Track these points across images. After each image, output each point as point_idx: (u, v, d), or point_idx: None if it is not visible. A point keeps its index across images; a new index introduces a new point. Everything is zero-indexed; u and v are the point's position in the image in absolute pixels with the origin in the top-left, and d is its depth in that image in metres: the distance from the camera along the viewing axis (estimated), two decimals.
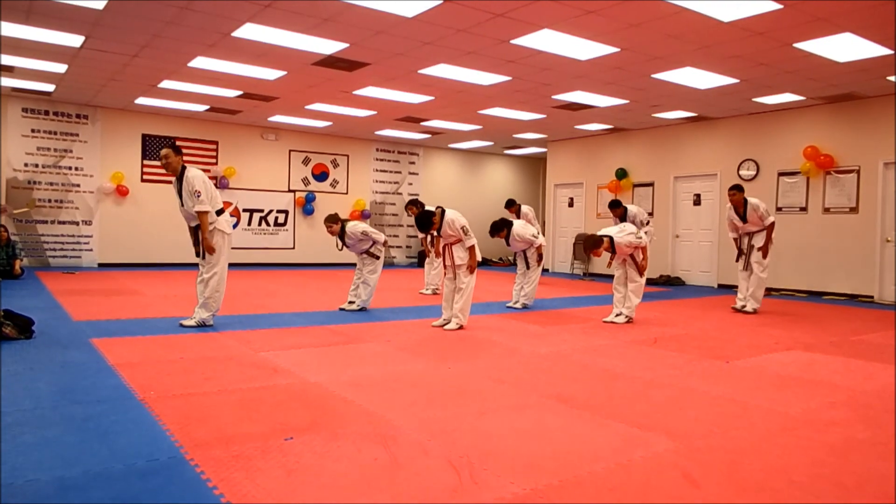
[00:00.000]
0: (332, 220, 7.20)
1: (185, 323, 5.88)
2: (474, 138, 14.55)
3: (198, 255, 5.89)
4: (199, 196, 5.59)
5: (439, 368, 4.49)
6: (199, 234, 5.72)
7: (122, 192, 11.88)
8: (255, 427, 3.06)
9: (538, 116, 11.46)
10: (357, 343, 5.35)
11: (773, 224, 7.77)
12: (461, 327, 6.19)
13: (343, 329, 6.01)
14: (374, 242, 7.28)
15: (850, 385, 4.21)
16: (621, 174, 12.94)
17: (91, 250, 11.75)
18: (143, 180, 12.20)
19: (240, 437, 2.91)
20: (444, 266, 6.49)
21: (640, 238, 6.77)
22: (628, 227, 7.01)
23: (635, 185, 12.82)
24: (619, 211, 9.57)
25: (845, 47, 6.95)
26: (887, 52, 7.04)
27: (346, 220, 7.31)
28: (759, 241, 7.79)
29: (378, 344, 5.33)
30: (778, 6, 5.76)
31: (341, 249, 7.40)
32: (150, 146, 12.24)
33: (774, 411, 3.54)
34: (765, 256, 7.74)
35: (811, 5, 5.75)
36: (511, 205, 10.03)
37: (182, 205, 5.73)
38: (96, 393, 3.60)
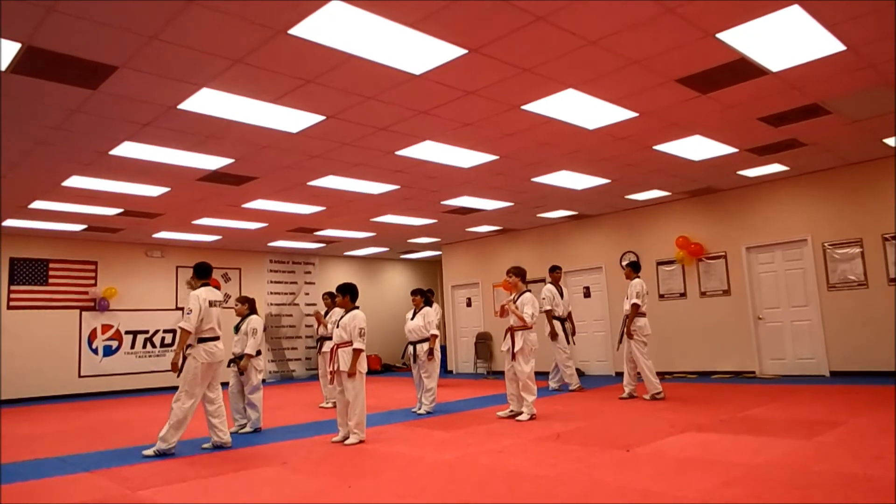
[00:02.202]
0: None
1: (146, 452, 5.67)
2: (369, 245, 14.67)
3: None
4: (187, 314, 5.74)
5: (340, 488, 4.25)
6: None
7: None
8: None
9: (429, 221, 11.78)
10: (249, 468, 4.99)
11: (633, 306, 7.96)
12: (361, 441, 5.93)
13: (234, 454, 5.61)
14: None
15: (743, 461, 4.36)
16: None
17: None
18: (9, 307, 11.25)
19: None
20: (330, 373, 6.21)
21: (532, 315, 6.92)
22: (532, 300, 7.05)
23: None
24: (556, 275, 9.76)
25: (697, 147, 7.74)
26: (733, 150, 7.90)
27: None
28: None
29: (273, 467, 5.00)
30: (634, 114, 6.38)
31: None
32: (20, 270, 11.40)
33: (674, 497, 3.59)
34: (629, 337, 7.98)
35: (663, 113, 6.41)
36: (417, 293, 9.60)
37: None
38: None
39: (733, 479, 3.92)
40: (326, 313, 9.02)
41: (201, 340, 5.79)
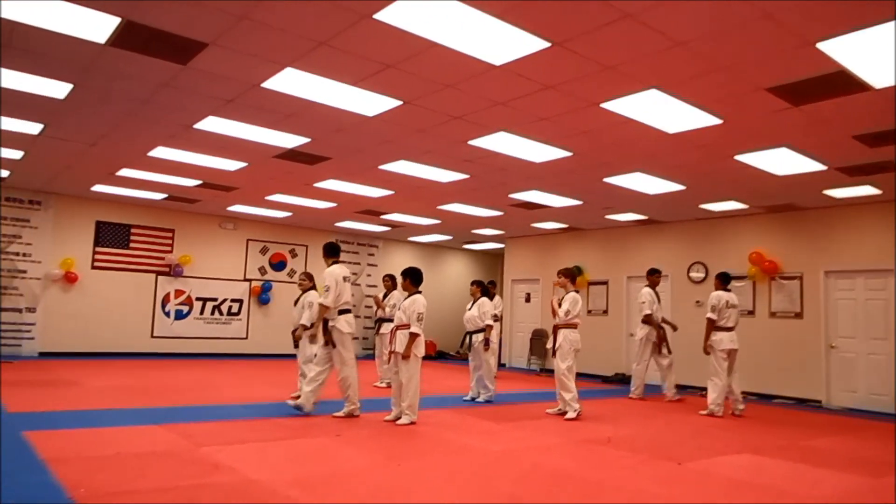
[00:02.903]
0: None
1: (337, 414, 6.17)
2: (433, 232, 14.77)
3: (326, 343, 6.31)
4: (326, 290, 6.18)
5: (388, 465, 4.34)
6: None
7: (70, 278, 11.55)
8: None
9: (496, 213, 11.76)
10: (304, 438, 5.16)
11: (708, 320, 7.97)
12: (413, 423, 6.04)
13: (290, 423, 5.80)
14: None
15: (796, 491, 4.21)
16: (577, 272, 13.20)
17: (32, 339, 11.25)
18: (93, 267, 11.92)
19: None
20: (389, 353, 6.42)
21: (566, 312, 7.19)
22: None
23: (590, 283, 13.07)
24: (655, 278, 9.46)
25: (783, 161, 7.40)
26: (822, 167, 7.53)
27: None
28: None
29: (326, 439, 5.15)
30: (718, 121, 6.17)
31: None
32: (104, 233, 12.05)
33: None
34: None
35: (750, 122, 6.16)
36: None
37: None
38: (24, 491, 3.36)
39: None
40: (385, 295, 9.20)
41: (341, 312, 6.29)
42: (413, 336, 6.11)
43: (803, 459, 5.26)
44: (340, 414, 6.24)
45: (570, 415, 6.82)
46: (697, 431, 6.46)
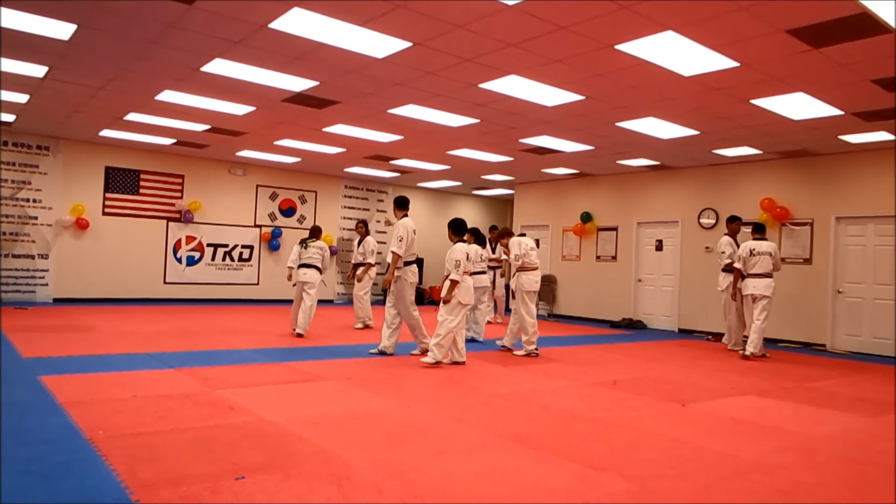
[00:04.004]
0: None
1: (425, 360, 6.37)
2: (443, 178, 14.70)
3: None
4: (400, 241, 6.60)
5: (399, 407, 4.45)
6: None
7: (81, 224, 11.63)
8: (206, 467, 2.99)
9: (506, 159, 11.66)
10: (317, 381, 5.28)
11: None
12: (437, 363, 6.29)
13: (303, 366, 5.93)
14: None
15: (800, 430, 4.29)
16: (586, 218, 13.18)
17: (46, 285, 11.41)
18: (104, 213, 11.98)
19: (190, 477, 2.84)
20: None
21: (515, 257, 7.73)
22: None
23: (599, 229, 13.05)
24: (734, 226, 9.09)
25: (799, 106, 7.26)
26: (838, 112, 7.38)
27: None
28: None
29: (338, 382, 5.27)
30: (735, 64, 6.03)
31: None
32: (114, 179, 12.06)
33: (727, 455, 3.59)
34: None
35: (767, 65, 6.02)
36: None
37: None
38: (42, 433, 3.47)
39: (788, 445, 3.88)
40: (359, 242, 9.74)
41: (407, 263, 6.66)
42: (451, 282, 6.42)
43: (807, 400, 5.35)
44: (416, 353, 6.89)
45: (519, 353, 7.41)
46: (704, 375, 6.56)
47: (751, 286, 8.19)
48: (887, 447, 3.94)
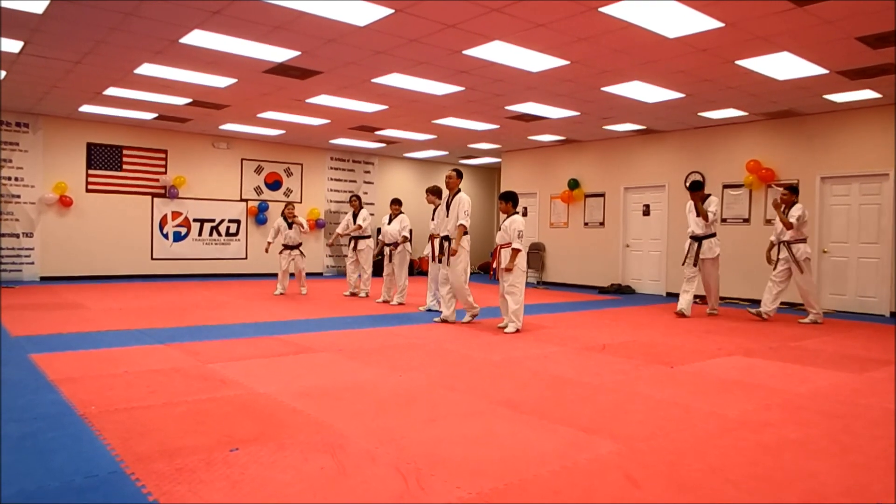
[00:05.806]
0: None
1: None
2: (429, 148, 14.61)
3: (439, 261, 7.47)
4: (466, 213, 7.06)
5: (390, 377, 4.49)
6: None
7: (65, 202, 11.49)
8: (199, 439, 3.01)
9: (492, 127, 11.59)
10: (307, 353, 5.30)
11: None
12: (518, 330, 6.65)
13: (293, 339, 5.95)
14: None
15: (785, 388, 4.38)
16: (573, 184, 13.17)
17: (32, 263, 11.32)
18: (87, 190, 11.83)
19: (184, 449, 2.86)
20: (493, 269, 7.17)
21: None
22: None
23: (587, 196, 13.06)
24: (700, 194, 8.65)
25: (784, 66, 7.25)
26: (823, 71, 7.38)
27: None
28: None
29: (329, 353, 5.30)
30: (720, 24, 5.99)
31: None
32: (96, 155, 11.89)
33: (714, 414, 3.66)
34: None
35: (752, 24, 5.98)
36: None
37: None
38: (34, 410, 3.48)
39: (774, 403, 3.95)
40: (355, 216, 10.16)
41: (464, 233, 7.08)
42: (514, 251, 6.70)
43: (793, 359, 5.45)
44: (466, 319, 7.26)
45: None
46: (692, 338, 6.65)
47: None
48: (871, 402, 4.03)
